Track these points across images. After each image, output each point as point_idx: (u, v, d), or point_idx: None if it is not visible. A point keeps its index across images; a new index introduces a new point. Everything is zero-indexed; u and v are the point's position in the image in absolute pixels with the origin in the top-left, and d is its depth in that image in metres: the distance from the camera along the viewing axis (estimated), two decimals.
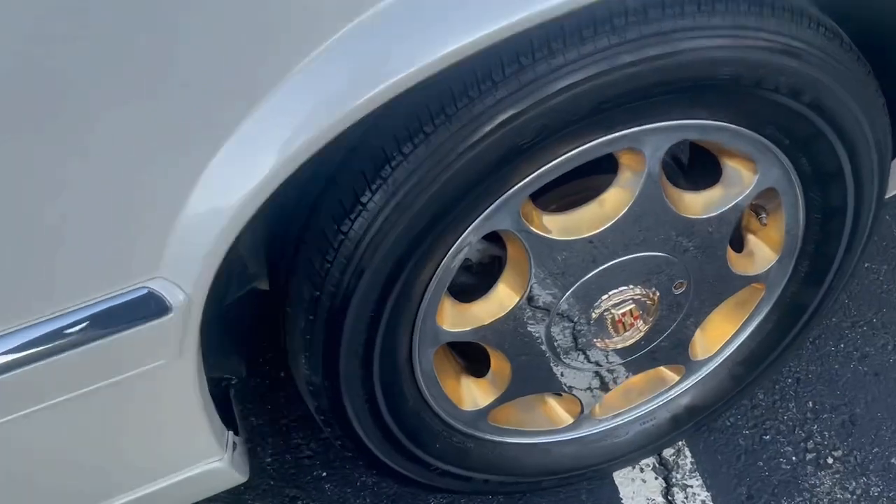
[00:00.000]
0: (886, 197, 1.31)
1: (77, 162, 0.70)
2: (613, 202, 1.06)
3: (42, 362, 0.79)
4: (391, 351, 1.07)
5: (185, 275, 0.81)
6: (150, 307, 0.79)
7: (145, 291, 0.79)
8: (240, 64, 0.72)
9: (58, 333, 0.77)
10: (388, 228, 0.94)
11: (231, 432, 1.12)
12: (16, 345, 0.77)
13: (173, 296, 0.80)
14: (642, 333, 1.22)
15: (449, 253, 1.01)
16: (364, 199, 0.93)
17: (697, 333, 1.32)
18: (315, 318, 1.01)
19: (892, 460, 1.46)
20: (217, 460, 1.08)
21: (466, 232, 1.00)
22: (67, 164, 0.70)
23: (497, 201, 0.98)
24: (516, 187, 0.97)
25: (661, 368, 1.37)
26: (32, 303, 0.76)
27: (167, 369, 0.87)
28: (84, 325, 0.77)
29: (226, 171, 0.77)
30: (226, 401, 1.18)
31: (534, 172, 0.97)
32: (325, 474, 1.57)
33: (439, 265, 1.02)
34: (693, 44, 0.90)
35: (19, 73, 0.64)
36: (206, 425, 1.02)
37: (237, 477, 1.15)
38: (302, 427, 1.65)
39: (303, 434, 1.64)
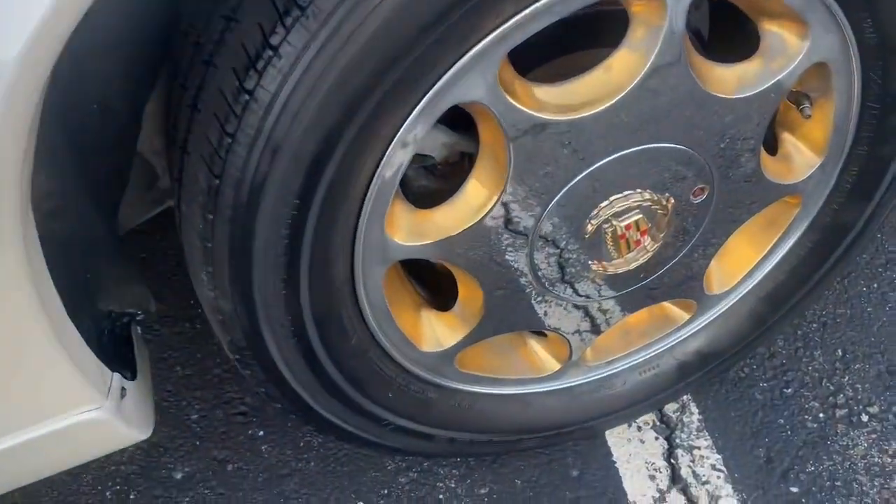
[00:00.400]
0: None
1: None
2: (622, 68, 0.79)
3: None
4: (324, 266, 0.81)
5: None
6: None
7: None
8: None
9: None
10: (312, 84, 0.67)
11: (117, 375, 0.86)
12: None
13: None
14: (650, 254, 0.96)
15: (402, 128, 0.74)
16: (275, 41, 0.66)
17: (714, 261, 1.07)
18: (216, 215, 0.74)
19: None
20: (94, 409, 0.82)
21: (425, 99, 0.73)
22: None
23: (466, 55, 0.71)
24: (493, 34, 0.70)
25: (668, 304, 1.11)
26: None
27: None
28: None
29: None
30: (113, 339, 0.91)
31: (518, 13, 0.70)
32: (261, 433, 1.31)
33: (388, 146, 0.75)
34: None
35: None
36: (69, 363, 0.75)
37: (131, 432, 0.89)
38: (239, 379, 1.38)
39: (239, 387, 1.38)
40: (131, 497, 1.23)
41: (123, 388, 0.88)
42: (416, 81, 0.71)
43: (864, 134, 0.97)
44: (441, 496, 1.21)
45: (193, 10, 0.76)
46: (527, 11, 0.71)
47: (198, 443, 1.30)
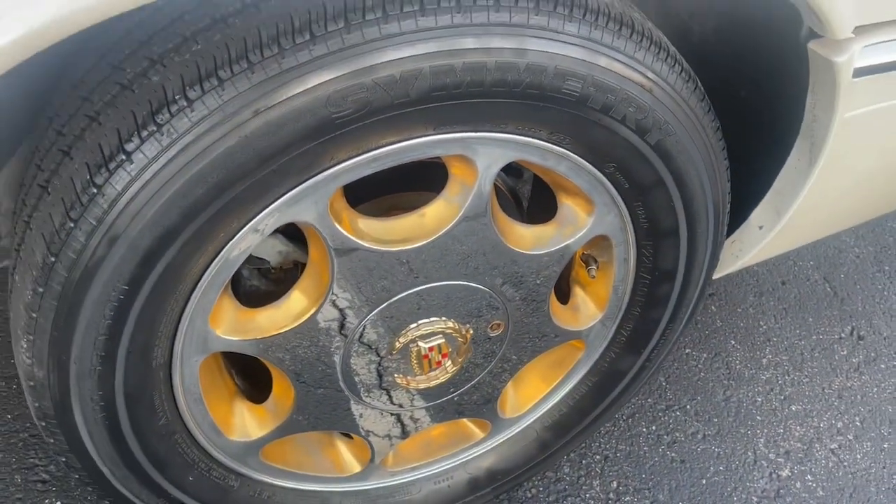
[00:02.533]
0: (716, 276, 1.28)
1: None
2: (436, 216, 0.93)
3: None
4: (144, 349, 0.87)
5: None
6: None
7: None
8: None
9: None
10: (156, 189, 0.76)
11: None
12: None
13: None
14: (449, 375, 1.09)
15: (236, 237, 0.84)
16: (129, 148, 0.75)
17: (509, 387, 1.20)
18: (45, 290, 0.80)
19: None
20: None
21: (261, 215, 0.83)
22: None
23: (302, 184, 0.83)
24: (327, 172, 0.83)
25: (466, 422, 1.23)
26: None
27: None
28: None
29: None
30: None
31: (349, 159, 0.83)
32: (58, 503, 1.29)
33: (221, 250, 0.84)
34: (542, 45, 0.81)
35: None
36: None
37: None
38: (45, 447, 1.37)
39: (44, 454, 1.36)
40: None
41: None
42: (253, 200, 0.81)
43: (637, 298, 1.15)
44: None
45: (62, 102, 0.83)
46: (358, 159, 0.84)
47: None
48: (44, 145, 0.83)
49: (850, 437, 1.58)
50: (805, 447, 1.56)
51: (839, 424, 1.61)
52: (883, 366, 1.75)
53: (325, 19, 0.74)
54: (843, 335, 1.82)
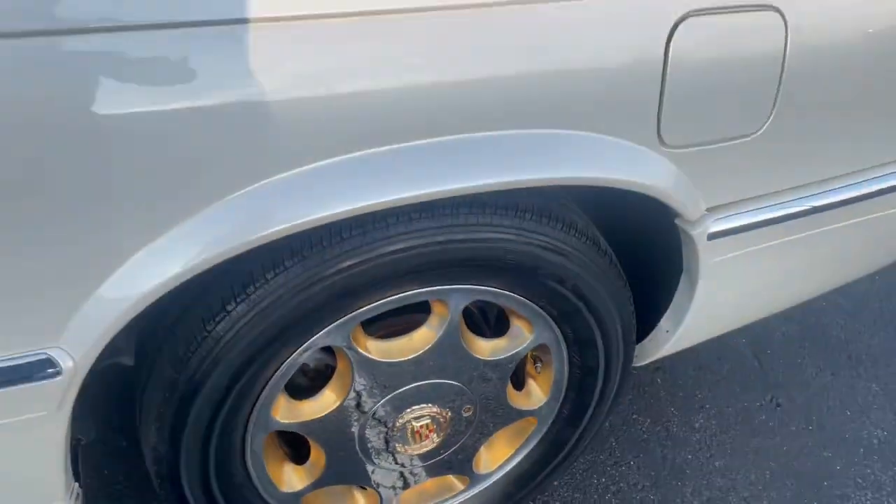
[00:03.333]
0: (642, 363, 1.72)
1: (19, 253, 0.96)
2: (421, 339, 1.38)
3: None
4: (229, 431, 1.32)
5: (79, 347, 1.05)
6: (45, 368, 1.03)
7: (45, 356, 1.02)
8: (153, 206, 1.00)
9: None
10: (244, 333, 1.21)
11: (76, 483, 1.32)
12: None
13: (65, 362, 1.04)
14: (435, 444, 1.53)
15: (291, 357, 1.29)
16: (230, 308, 1.20)
17: (482, 450, 1.64)
18: (170, 396, 1.25)
19: None
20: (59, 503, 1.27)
21: (307, 343, 1.28)
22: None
23: (334, 324, 1.28)
24: (350, 315, 1.28)
25: (451, 477, 1.67)
26: None
27: (46, 419, 1.08)
28: None
29: (127, 276, 1.03)
30: (74, 457, 1.37)
31: (365, 306, 1.28)
32: None
33: (281, 366, 1.30)
34: (489, 235, 1.27)
35: None
36: (62, 472, 1.21)
37: None
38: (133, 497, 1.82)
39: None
40: None
41: (78, 493, 1.33)
42: (303, 336, 1.26)
43: (571, 387, 1.59)
44: None
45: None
46: (372, 305, 1.29)
47: None
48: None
49: (760, 488, 1.99)
50: (723, 495, 1.97)
51: (752, 477, 2.02)
52: (794, 428, 2.17)
53: None
54: (763, 402, 2.24)
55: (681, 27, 1.16)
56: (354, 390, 1.38)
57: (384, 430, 1.47)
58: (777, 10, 1.25)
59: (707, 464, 2.04)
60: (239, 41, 0.96)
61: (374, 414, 1.43)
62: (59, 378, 1.05)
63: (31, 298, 1.00)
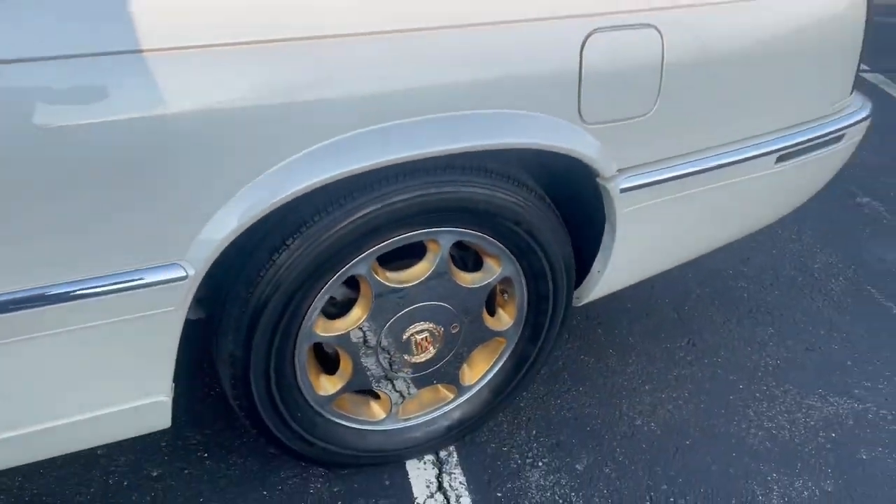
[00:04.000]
0: (580, 303, 2.27)
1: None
2: (420, 270, 1.91)
3: (111, 296, 1.49)
4: (285, 338, 1.82)
5: (195, 262, 1.55)
6: (178, 273, 1.53)
7: (178, 265, 1.52)
8: (234, 174, 1.52)
9: (129, 279, 1.49)
10: (296, 263, 1.72)
11: (174, 384, 1.80)
12: (100, 285, 1.48)
13: (189, 270, 1.54)
14: (431, 355, 2.04)
15: (329, 283, 1.80)
16: (288, 242, 1.71)
17: (465, 367, 2.16)
18: (245, 310, 1.75)
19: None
20: (164, 396, 1.75)
21: (340, 272, 1.80)
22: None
23: (357, 258, 1.80)
24: (369, 251, 1.80)
25: (440, 387, 2.18)
26: (120, 258, 1.48)
27: (171, 314, 1.58)
28: (143, 277, 1.50)
29: (220, 220, 1.54)
30: None
31: (380, 244, 1.81)
32: (206, 455, 2.20)
33: (322, 290, 1.81)
34: (468, 189, 1.81)
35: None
36: (171, 367, 1.70)
37: (166, 420, 1.80)
38: (225, 437, 2.28)
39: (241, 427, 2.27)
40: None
41: (173, 394, 1.80)
42: (337, 266, 1.78)
43: (530, 311, 2.12)
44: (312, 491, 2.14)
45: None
46: (386, 243, 1.81)
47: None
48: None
49: (680, 402, 2.55)
50: (651, 409, 2.52)
51: (674, 394, 2.57)
52: (706, 361, 2.74)
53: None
54: (682, 343, 2.81)
55: (590, 39, 1.74)
56: (374, 307, 1.90)
57: (391, 341, 1.98)
58: (656, 27, 1.84)
59: (639, 388, 2.59)
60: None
61: (388, 327, 1.95)
62: (184, 282, 1.55)
63: (171, 228, 1.51)
